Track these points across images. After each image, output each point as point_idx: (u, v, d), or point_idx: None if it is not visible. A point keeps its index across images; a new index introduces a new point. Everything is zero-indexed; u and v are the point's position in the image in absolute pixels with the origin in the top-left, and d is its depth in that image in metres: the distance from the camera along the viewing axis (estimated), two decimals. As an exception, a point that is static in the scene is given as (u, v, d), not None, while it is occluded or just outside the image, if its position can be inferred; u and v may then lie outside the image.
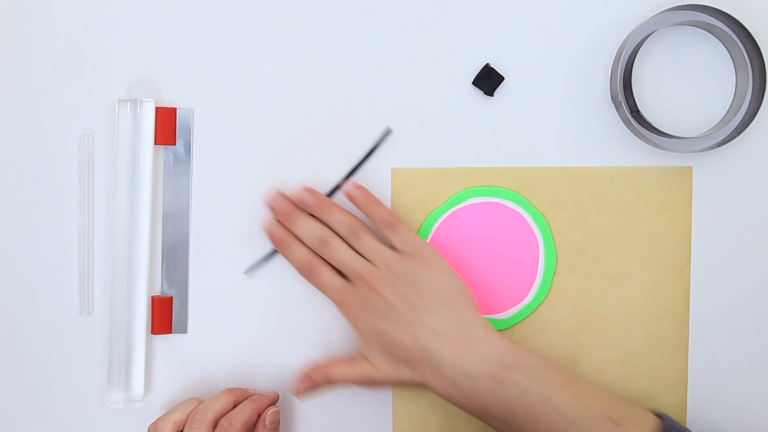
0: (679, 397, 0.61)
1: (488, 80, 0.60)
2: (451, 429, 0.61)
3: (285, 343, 0.61)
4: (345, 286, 0.57)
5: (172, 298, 0.60)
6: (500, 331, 0.61)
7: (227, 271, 0.61)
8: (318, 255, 0.58)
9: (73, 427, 0.62)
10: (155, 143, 0.59)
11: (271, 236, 0.59)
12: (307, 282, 0.59)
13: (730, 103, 0.61)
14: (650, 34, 0.59)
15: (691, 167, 0.61)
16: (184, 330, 0.61)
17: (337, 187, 0.61)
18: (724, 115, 0.61)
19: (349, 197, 0.59)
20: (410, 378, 0.55)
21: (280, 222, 0.59)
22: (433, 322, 0.54)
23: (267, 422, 0.57)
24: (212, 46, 0.61)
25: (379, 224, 0.58)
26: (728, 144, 0.60)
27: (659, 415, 0.54)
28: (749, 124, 0.59)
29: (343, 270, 0.57)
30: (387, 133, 0.60)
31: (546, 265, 0.61)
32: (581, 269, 0.61)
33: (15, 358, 0.61)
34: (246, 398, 0.58)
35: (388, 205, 0.61)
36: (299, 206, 0.59)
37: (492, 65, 0.60)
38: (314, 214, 0.59)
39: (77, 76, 0.60)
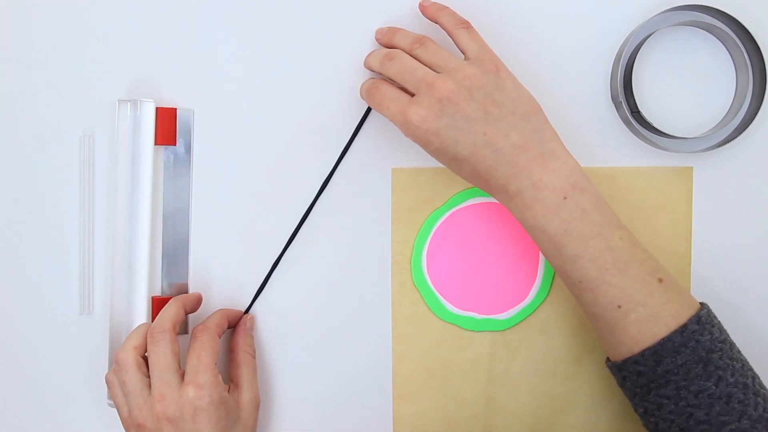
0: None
1: (488, 80, 0.60)
2: (451, 429, 0.61)
3: (284, 342, 0.61)
4: (410, 99, 0.52)
5: (171, 298, 0.60)
6: (500, 331, 0.61)
7: (227, 271, 0.61)
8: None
9: (74, 427, 0.62)
10: (155, 143, 0.59)
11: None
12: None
13: (730, 103, 0.61)
14: (651, 35, 0.59)
15: (691, 168, 0.61)
16: (184, 330, 0.61)
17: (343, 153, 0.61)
18: (725, 116, 0.61)
19: (421, 8, 0.58)
20: (475, 183, 0.54)
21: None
22: (512, 135, 0.52)
23: (248, 326, 0.60)
24: (212, 46, 0.60)
25: (451, 26, 0.55)
26: (728, 144, 0.60)
27: (701, 303, 0.54)
28: (749, 124, 0.59)
29: (408, 85, 0.53)
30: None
31: (546, 265, 0.61)
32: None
33: (15, 359, 0.61)
34: (191, 305, 0.59)
35: (389, 205, 0.61)
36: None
37: (492, 65, 0.60)
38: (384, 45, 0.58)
39: (77, 76, 0.60)
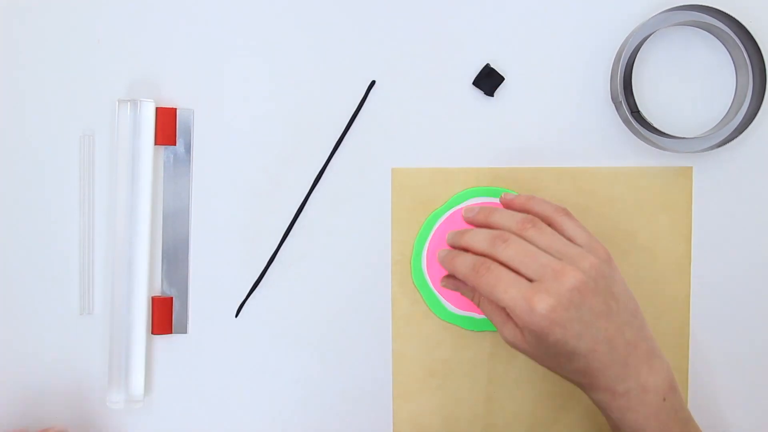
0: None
1: (488, 80, 0.60)
2: (451, 429, 0.61)
3: (283, 342, 0.61)
4: (533, 286, 0.49)
5: (172, 298, 0.60)
6: (500, 331, 0.61)
7: (227, 271, 0.61)
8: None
9: (74, 428, 0.62)
10: (155, 143, 0.59)
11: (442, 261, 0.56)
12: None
13: (730, 103, 0.61)
14: (650, 35, 0.59)
15: (691, 168, 0.61)
16: (184, 330, 0.61)
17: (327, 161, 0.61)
18: (725, 116, 0.61)
19: (504, 203, 0.56)
20: (573, 378, 0.52)
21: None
22: (627, 332, 0.50)
23: None
24: (212, 46, 0.60)
25: (551, 213, 0.53)
26: (728, 144, 0.60)
27: None
28: (749, 124, 0.59)
29: (528, 270, 0.50)
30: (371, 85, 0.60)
31: (546, 265, 0.61)
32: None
33: (15, 359, 0.61)
34: None
35: (389, 205, 0.61)
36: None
37: (492, 65, 0.60)
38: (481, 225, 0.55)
39: (78, 76, 0.60)
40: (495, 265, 0.50)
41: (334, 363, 0.61)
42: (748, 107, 0.60)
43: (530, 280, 0.49)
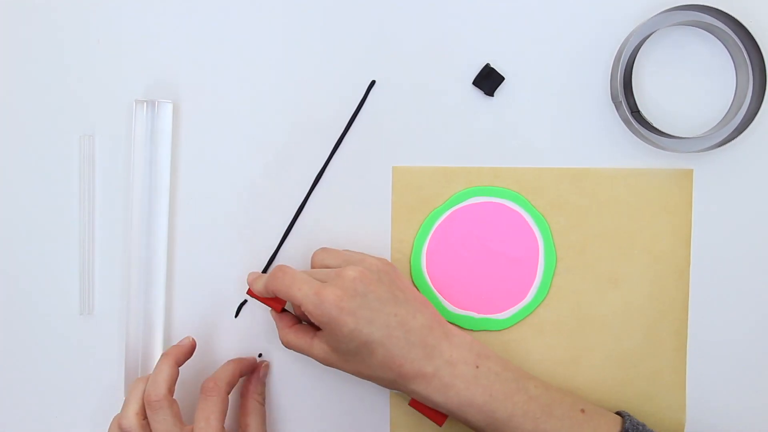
0: (677, 399, 0.61)
1: (488, 80, 0.60)
2: (449, 426, 0.61)
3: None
4: (322, 284, 0.53)
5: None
6: (498, 331, 0.61)
7: (225, 270, 0.61)
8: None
9: (73, 428, 0.62)
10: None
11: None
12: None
13: (730, 103, 0.61)
14: (650, 34, 0.59)
15: (691, 170, 0.61)
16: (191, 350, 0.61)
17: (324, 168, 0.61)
18: (725, 116, 0.61)
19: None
20: (384, 376, 0.54)
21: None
22: (419, 316, 0.54)
23: (261, 374, 0.60)
24: (215, 47, 0.60)
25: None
26: (728, 144, 0.60)
27: (620, 414, 0.56)
28: (749, 124, 0.59)
29: (316, 277, 0.54)
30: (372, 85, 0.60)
31: (545, 265, 0.61)
32: (581, 270, 0.61)
33: (15, 359, 0.61)
34: (184, 356, 0.57)
35: (389, 203, 0.61)
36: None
37: (492, 65, 0.60)
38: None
39: (77, 76, 0.60)
40: (290, 269, 0.54)
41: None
42: (748, 107, 0.60)
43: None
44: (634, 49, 0.59)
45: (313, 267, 0.58)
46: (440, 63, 0.61)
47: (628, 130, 0.61)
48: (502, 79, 0.60)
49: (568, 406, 0.55)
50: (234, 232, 0.61)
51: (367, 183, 0.61)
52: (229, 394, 0.56)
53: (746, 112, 0.60)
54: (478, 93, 0.61)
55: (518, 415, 0.53)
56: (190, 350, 0.58)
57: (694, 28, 0.61)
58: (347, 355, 0.53)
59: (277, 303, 0.58)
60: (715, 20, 0.60)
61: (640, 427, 0.55)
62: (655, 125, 0.59)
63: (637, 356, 0.61)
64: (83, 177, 0.61)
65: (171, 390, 0.55)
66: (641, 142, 0.61)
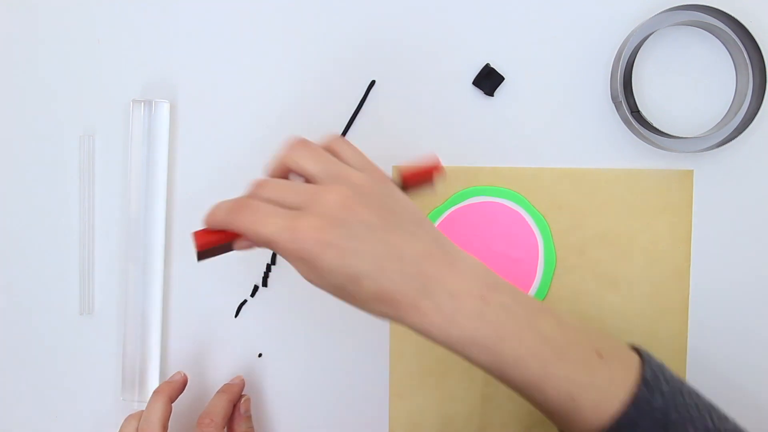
0: (678, 398, 0.61)
1: (488, 80, 0.60)
2: (447, 428, 0.61)
3: (280, 340, 0.61)
4: (295, 213, 0.44)
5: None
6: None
7: (223, 270, 0.61)
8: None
9: (73, 426, 0.62)
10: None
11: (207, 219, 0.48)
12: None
13: (730, 103, 0.61)
14: (650, 34, 0.59)
15: (691, 170, 0.61)
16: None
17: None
18: (725, 116, 0.61)
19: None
20: (378, 310, 0.45)
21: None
22: (414, 243, 0.45)
23: (242, 410, 0.59)
24: (214, 47, 0.61)
25: (329, 142, 0.48)
26: (728, 144, 0.60)
27: (637, 350, 0.49)
28: (749, 124, 0.59)
29: (289, 201, 0.45)
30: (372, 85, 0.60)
31: (545, 266, 0.61)
32: (580, 271, 0.61)
33: (15, 358, 0.61)
34: (177, 392, 0.57)
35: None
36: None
37: (492, 65, 0.60)
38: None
39: (77, 76, 0.61)
40: (252, 201, 0.45)
41: (330, 360, 0.62)
42: (748, 107, 0.60)
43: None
44: (634, 49, 0.59)
45: (283, 166, 0.47)
46: (440, 63, 0.61)
47: (628, 130, 0.61)
48: (502, 79, 0.60)
49: (583, 349, 0.46)
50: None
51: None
52: (224, 428, 0.57)
53: (746, 112, 0.60)
54: (478, 93, 0.61)
55: (527, 357, 0.45)
56: (182, 386, 0.58)
57: (694, 28, 0.61)
58: (331, 288, 0.45)
59: (226, 237, 0.46)
60: (715, 20, 0.60)
61: (659, 373, 0.47)
62: (655, 125, 0.59)
63: (637, 356, 0.61)
64: (83, 177, 0.61)
65: (165, 428, 0.54)
66: (641, 142, 0.61)
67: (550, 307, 0.48)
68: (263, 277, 0.61)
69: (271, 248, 0.44)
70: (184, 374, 0.58)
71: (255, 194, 0.46)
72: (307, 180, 0.46)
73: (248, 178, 0.60)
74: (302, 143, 0.47)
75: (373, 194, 0.45)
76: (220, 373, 0.62)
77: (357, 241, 0.43)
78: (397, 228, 0.45)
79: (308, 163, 0.46)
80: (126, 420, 0.55)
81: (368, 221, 0.44)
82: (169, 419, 0.55)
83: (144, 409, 0.55)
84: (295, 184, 0.45)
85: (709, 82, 0.61)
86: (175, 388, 0.57)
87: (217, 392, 0.59)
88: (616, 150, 0.61)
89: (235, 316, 0.61)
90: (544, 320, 0.46)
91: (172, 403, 0.56)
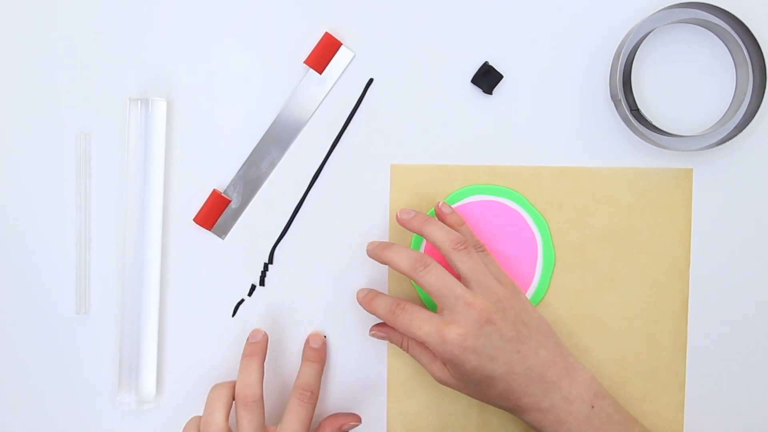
0: (676, 399, 0.61)
1: (487, 78, 0.60)
2: (444, 429, 0.61)
3: (278, 340, 0.61)
4: (444, 319, 0.53)
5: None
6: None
7: (222, 267, 0.61)
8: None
9: (69, 426, 0.62)
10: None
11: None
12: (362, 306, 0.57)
13: (730, 101, 0.61)
14: (650, 32, 0.59)
15: (691, 169, 0.61)
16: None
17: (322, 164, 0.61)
18: (724, 114, 0.61)
19: (400, 221, 0.58)
20: (502, 404, 0.55)
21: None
22: (541, 352, 0.54)
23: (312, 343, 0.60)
24: (210, 45, 0.60)
25: (449, 246, 0.55)
26: (728, 143, 0.59)
27: None
28: (749, 122, 0.59)
29: (443, 300, 0.53)
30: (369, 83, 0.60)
31: (544, 264, 0.61)
32: (580, 270, 0.61)
33: (11, 358, 0.61)
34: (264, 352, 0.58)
35: (387, 201, 0.61)
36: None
37: (491, 63, 0.60)
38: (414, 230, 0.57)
39: (73, 74, 0.60)
40: (409, 305, 0.54)
41: (328, 361, 0.61)
42: (748, 105, 0.60)
43: (442, 310, 0.53)
44: (633, 47, 0.59)
45: (433, 240, 0.55)
46: (438, 61, 0.60)
47: (627, 128, 0.61)
48: (501, 77, 0.60)
49: None
50: (232, 230, 0.61)
51: (365, 181, 0.61)
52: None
53: (746, 110, 0.60)
54: (476, 91, 0.61)
55: None
56: (267, 344, 0.58)
57: (693, 25, 0.60)
58: (467, 384, 0.54)
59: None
60: (715, 18, 0.60)
61: None
62: (654, 123, 0.58)
63: (636, 356, 0.61)
64: (80, 175, 0.60)
65: (262, 389, 0.55)
66: (640, 140, 0.60)
67: (638, 420, 0.57)
68: (260, 277, 0.61)
69: (426, 345, 0.54)
70: (264, 332, 0.58)
71: (416, 274, 0.54)
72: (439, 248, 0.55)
73: (245, 177, 0.60)
74: (461, 240, 0.55)
75: (511, 309, 0.54)
76: (217, 372, 0.61)
77: (494, 349, 0.53)
78: (528, 339, 0.54)
79: (462, 263, 0.54)
80: (215, 389, 0.56)
81: (504, 334, 0.53)
82: (263, 380, 0.56)
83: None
84: (453, 286, 0.53)
85: (708, 80, 0.60)
86: (262, 348, 0.57)
87: (304, 360, 0.59)
88: (615, 148, 0.61)
89: (233, 315, 0.61)
90: (636, 428, 0.56)
91: (263, 363, 0.57)
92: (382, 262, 0.56)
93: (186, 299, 0.61)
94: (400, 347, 0.58)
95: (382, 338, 0.59)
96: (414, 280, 0.54)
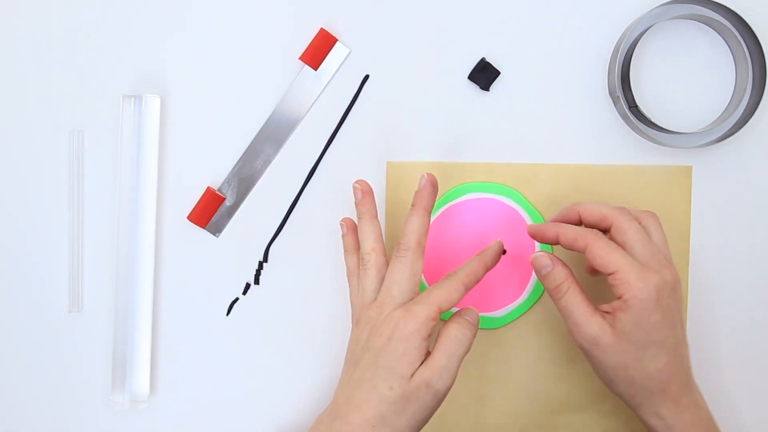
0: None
1: (484, 75, 0.60)
2: (441, 428, 0.61)
3: (272, 338, 0.61)
4: (643, 265, 0.50)
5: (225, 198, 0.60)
6: (493, 329, 0.61)
7: (214, 266, 0.61)
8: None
9: (61, 424, 0.61)
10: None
11: None
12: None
13: (729, 97, 0.60)
14: (649, 28, 0.58)
15: (690, 166, 0.60)
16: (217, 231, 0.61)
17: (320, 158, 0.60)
18: (724, 110, 0.60)
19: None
20: (645, 384, 0.51)
21: None
22: (685, 348, 0.52)
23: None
24: (204, 41, 0.60)
25: (648, 217, 0.54)
26: (728, 140, 0.59)
27: None
28: (749, 119, 0.59)
29: (639, 247, 0.51)
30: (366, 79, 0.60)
31: (541, 262, 0.60)
32: (577, 268, 0.60)
33: (3, 357, 0.61)
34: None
35: (383, 199, 0.60)
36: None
37: (488, 59, 0.60)
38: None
39: (66, 71, 0.60)
40: (607, 239, 0.51)
41: (322, 359, 0.61)
42: (748, 102, 0.59)
43: (636, 259, 0.50)
44: (632, 43, 0.59)
45: (606, 223, 0.53)
46: (435, 57, 0.60)
47: (625, 125, 0.60)
48: (498, 73, 0.60)
49: None
50: (227, 228, 0.61)
51: (361, 178, 0.60)
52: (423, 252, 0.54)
53: (746, 107, 0.60)
54: (473, 88, 0.60)
55: None
56: (434, 192, 0.54)
57: (693, 21, 0.60)
58: (628, 347, 0.50)
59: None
60: (715, 13, 0.59)
61: None
62: (653, 120, 0.58)
63: (634, 355, 0.61)
64: (73, 172, 0.60)
65: (421, 240, 0.53)
66: (639, 137, 0.60)
67: None
68: (255, 275, 0.61)
69: (616, 275, 0.50)
70: (428, 176, 0.54)
71: (622, 214, 0.52)
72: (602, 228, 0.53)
73: (240, 174, 0.60)
74: (632, 221, 0.52)
75: (677, 293, 0.51)
76: (211, 372, 0.61)
77: (673, 318, 0.50)
78: (681, 331, 0.52)
79: (655, 235, 0.53)
80: (359, 222, 0.55)
81: (679, 313, 0.51)
82: (425, 236, 0.53)
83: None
84: (650, 242, 0.51)
85: (708, 76, 0.60)
86: (428, 197, 0.54)
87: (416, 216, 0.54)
88: (613, 146, 0.61)
89: (227, 314, 0.61)
90: None
91: (429, 214, 0.54)
92: (577, 221, 0.54)
93: (180, 298, 0.61)
94: (556, 288, 0.52)
95: (544, 266, 0.53)
96: (618, 223, 0.51)
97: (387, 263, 0.54)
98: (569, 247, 0.53)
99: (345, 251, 0.57)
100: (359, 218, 0.55)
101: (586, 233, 0.51)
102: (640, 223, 0.53)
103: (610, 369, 0.51)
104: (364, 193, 0.55)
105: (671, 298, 0.50)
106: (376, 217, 0.55)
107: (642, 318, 0.49)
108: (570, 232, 0.52)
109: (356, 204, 0.56)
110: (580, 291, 0.52)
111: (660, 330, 0.49)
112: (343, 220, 0.57)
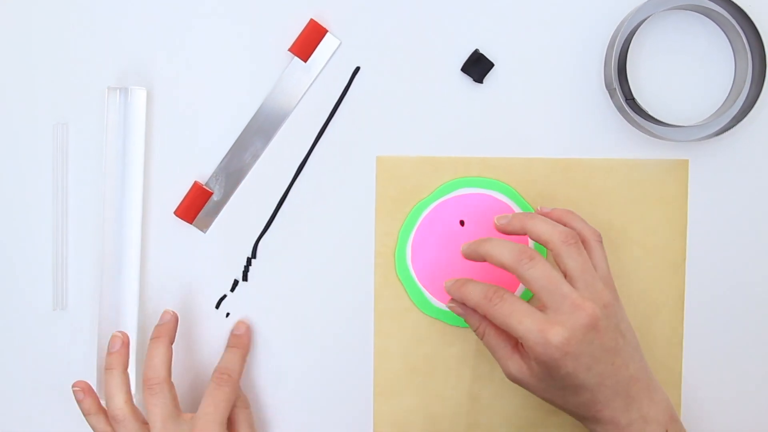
0: (672, 395, 0.61)
1: (477, 67, 0.59)
2: (433, 427, 0.60)
3: (263, 337, 0.61)
4: (547, 317, 0.50)
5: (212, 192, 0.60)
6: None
7: (205, 263, 0.60)
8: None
9: (46, 422, 0.61)
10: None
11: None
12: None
13: (728, 90, 0.60)
14: (646, 19, 0.58)
15: (687, 160, 0.60)
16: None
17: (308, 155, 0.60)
18: (722, 103, 0.60)
19: (541, 213, 0.55)
20: (575, 411, 0.53)
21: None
22: (630, 366, 0.52)
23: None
24: (191, 33, 0.59)
25: (588, 236, 0.54)
26: (726, 133, 0.59)
27: None
28: (748, 112, 0.58)
29: (548, 298, 0.50)
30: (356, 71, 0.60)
31: (535, 259, 0.60)
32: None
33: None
34: (174, 333, 0.58)
35: (373, 195, 0.60)
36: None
37: (481, 51, 0.59)
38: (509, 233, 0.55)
39: (50, 63, 0.59)
40: (509, 295, 0.51)
41: (313, 358, 0.61)
42: (747, 95, 0.59)
43: (545, 306, 0.50)
44: (628, 35, 0.58)
45: (537, 237, 0.52)
46: (427, 49, 0.60)
47: (622, 118, 0.60)
48: (492, 65, 0.59)
49: None
50: (215, 223, 0.60)
51: (350, 173, 0.60)
52: (239, 383, 0.58)
53: (745, 100, 0.59)
54: (466, 80, 0.60)
55: None
56: (176, 325, 0.58)
57: (691, 12, 0.60)
58: (549, 387, 0.52)
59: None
60: (714, 4, 0.59)
61: None
62: (650, 113, 0.58)
63: (630, 354, 0.60)
64: (57, 167, 0.60)
65: (170, 372, 0.55)
66: (636, 130, 0.60)
67: None
68: (243, 271, 0.60)
69: (521, 342, 0.51)
70: (173, 312, 0.58)
71: (521, 266, 0.51)
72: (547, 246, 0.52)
73: (227, 169, 0.59)
74: (572, 235, 0.52)
75: (614, 317, 0.51)
76: (197, 370, 0.61)
77: (592, 359, 0.50)
78: (623, 351, 0.52)
79: (570, 260, 0.51)
80: (108, 375, 0.55)
81: (605, 344, 0.50)
82: (171, 363, 0.56)
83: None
84: (559, 283, 0.50)
85: (706, 68, 0.60)
86: (171, 329, 0.57)
87: (228, 347, 0.59)
88: (609, 139, 0.60)
89: (216, 307, 0.61)
90: None
91: (171, 345, 0.57)
92: (478, 259, 0.53)
93: (166, 295, 0.60)
94: (475, 331, 0.55)
95: (460, 314, 0.55)
96: (517, 275, 0.51)
97: (137, 411, 0.56)
98: (478, 311, 0.53)
99: (86, 416, 0.57)
100: (109, 370, 0.56)
101: (497, 289, 0.52)
102: (583, 242, 0.53)
103: (540, 398, 0.53)
104: (123, 344, 0.57)
105: (593, 334, 0.49)
106: (127, 369, 0.56)
107: (551, 372, 0.50)
108: (495, 264, 0.52)
109: (109, 354, 0.56)
110: (497, 333, 0.53)
111: (575, 376, 0.50)
112: (75, 384, 0.57)
